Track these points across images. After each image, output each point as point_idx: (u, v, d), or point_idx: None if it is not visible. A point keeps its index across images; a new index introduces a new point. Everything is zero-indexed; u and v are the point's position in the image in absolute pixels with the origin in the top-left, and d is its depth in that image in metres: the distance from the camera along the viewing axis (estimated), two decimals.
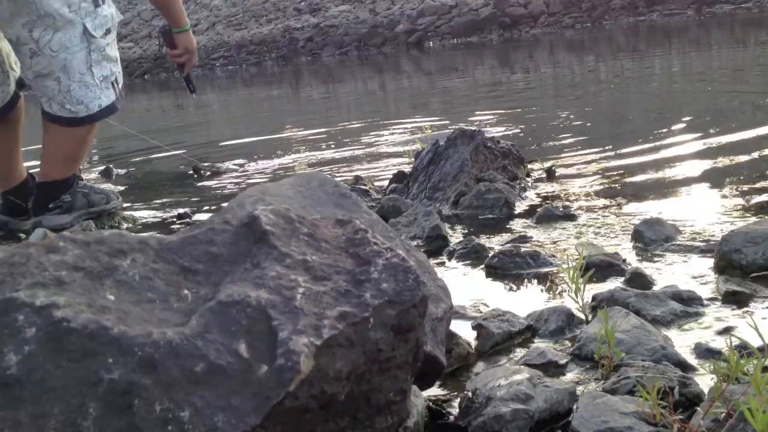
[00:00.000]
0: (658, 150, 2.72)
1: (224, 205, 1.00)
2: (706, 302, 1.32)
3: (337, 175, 2.99)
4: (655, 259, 1.59)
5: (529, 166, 2.58)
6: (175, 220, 2.53)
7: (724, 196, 2.02)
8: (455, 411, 1.04)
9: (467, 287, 1.57)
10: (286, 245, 0.82)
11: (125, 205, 2.82)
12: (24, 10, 2.25)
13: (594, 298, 1.36)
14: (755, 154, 2.46)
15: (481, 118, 4.11)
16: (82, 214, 2.52)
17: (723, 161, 2.43)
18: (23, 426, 0.65)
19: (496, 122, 3.93)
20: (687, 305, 1.30)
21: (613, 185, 2.30)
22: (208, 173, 3.38)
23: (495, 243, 1.84)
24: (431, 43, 13.01)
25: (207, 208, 2.71)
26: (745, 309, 1.28)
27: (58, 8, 2.26)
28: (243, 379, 0.70)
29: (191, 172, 3.44)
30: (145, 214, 2.68)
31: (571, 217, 1.95)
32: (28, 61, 2.33)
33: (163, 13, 2.86)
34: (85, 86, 2.34)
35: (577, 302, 1.32)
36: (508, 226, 1.99)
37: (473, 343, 1.26)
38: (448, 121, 4.07)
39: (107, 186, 3.29)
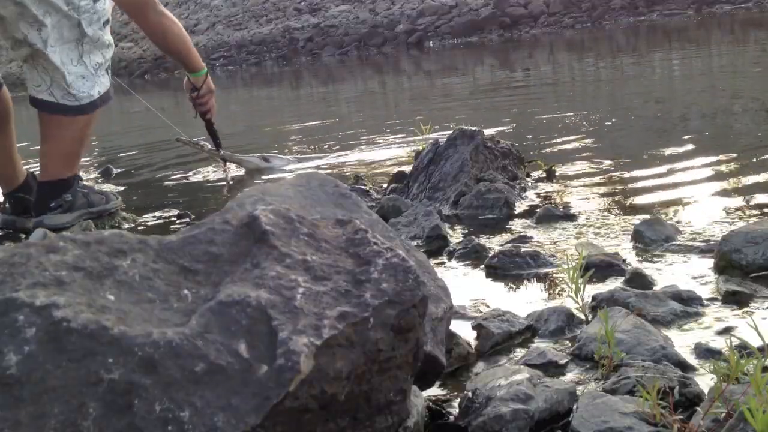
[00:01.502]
0: (658, 150, 2.72)
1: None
2: (706, 302, 1.32)
3: (337, 175, 2.98)
4: (655, 259, 1.59)
5: (529, 166, 2.58)
6: (175, 219, 2.54)
7: (724, 197, 2.02)
8: (455, 411, 1.04)
9: (467, 287, 1.57)
10: (286, 245, 0.82)
11: (125, 204, 2.82)
12: (28, 10, 2.29)
13: (594, 298, 1.36)
14: (756, 155, 2.46)
15: (482, 118, 4.10)
16: (83, 214, 2.52)
17: (723, 161, 2.43)
18: (23, 426, 0.65)
19: (496, 122, 3.93)
20: (687, 305, 1.30)
21: (613, 185, 2.30)
22: (190, 144, 3.21)
23: (495, 243, 1.84)
24: (431, 43, 13.00)
25: (207, 207, 2.71)
26: (745, 309, 1.28)
27: (58, 3, 2.31)
28: (243, 379, 0.70)
29: (176, 140, 3.27)
30: (144, 214, 2.68)
31: (571, 217, 1.95)
32: (27, 53, 2.36)
33: (180, 62, 2.91)
34: (81, 77, 2.39)
35: (577, 302, 1.32)
36: (508, 226, 1.99)
37: (473, 343, 1.26)
38: (448, 120, 4.07)
39: (107, 186, 3.29)
